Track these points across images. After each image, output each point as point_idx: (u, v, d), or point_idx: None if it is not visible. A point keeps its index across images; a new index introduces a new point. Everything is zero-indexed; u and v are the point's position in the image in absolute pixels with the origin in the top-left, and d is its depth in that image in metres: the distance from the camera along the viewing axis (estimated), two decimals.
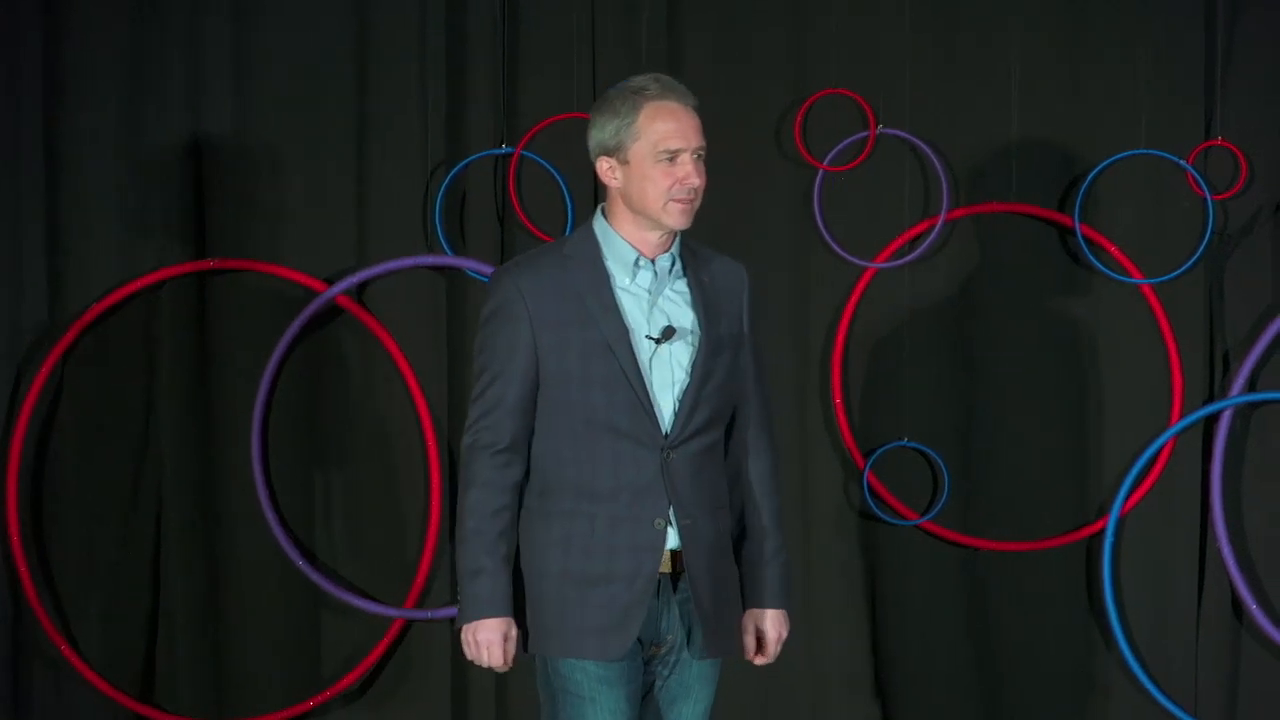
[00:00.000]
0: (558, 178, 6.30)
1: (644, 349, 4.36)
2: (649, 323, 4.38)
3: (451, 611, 6.36)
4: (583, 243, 4.43)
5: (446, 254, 6.36)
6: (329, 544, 6.45)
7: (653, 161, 4.37)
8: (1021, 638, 6.33)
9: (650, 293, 4.40)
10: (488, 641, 4.36)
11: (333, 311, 6.41)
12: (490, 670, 6.25)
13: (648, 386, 4.35)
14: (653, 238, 4.41)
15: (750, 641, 4.54)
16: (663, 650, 4.45)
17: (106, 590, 6.44)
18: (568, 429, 4.36)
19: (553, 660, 4.40)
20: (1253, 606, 6.19)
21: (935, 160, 6.25)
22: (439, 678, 6.40)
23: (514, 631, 4.38)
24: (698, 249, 4.51)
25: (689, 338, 4.39)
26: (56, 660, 6.41)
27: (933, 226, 6.27)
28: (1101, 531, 6.26)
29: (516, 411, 4.37)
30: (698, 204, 4.41)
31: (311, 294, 6.37)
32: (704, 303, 4.42)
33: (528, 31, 6.36)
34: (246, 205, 6.42)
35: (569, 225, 6.29)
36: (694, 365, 4.38)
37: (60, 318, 6.42)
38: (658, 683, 4.48)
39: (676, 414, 4.36)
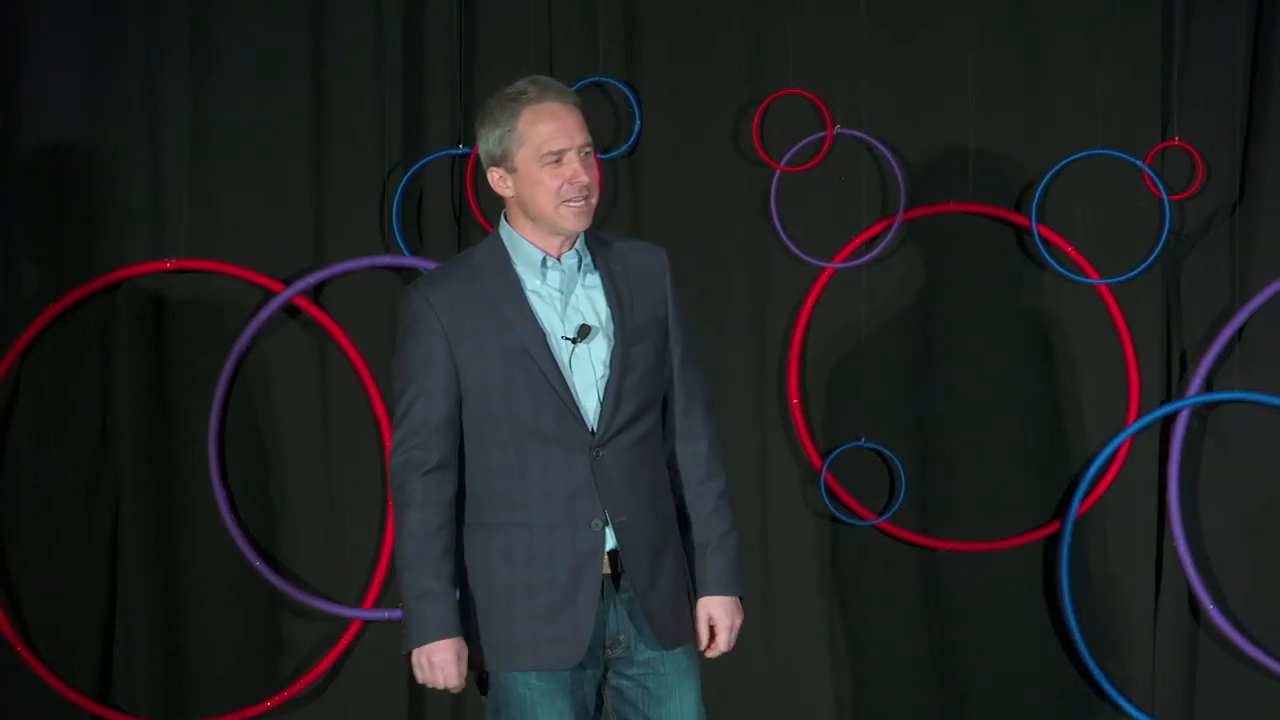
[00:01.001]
0: None
1: (562, 350, 4.35)
2: (564, 323, 4.37)
3: None
4: (491, 251, 4.42)
5: (404, 254, 6.35)
6: (286, 544, 6.44)
7: (539, 165, 4.35)
8: (979, 638, 6.32)
9: (562, 292, 4.39)
10: (443, 663, 4.34)
11: (290, 312, 6.41)
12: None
13: (570, 388, 4.34)
14: (555, 241, 4.40)
15: (704, 631, 4.52)
16: (618, 651, 4.43)
17: (63, 590, 6.42)
18: (495, 440, 4.34)
19: (493, 673, 4.40)
20: (1209, 606, 6.19)
21: (892, 160, 6.25)
22: (397, 678, 6.39)
23: (465, 651, 4.36)
24: (610, 239, 4.49)
25: (606, 331, 4.38)
26: (12, 660, 6.39)
27: (890, 227, 6.27)
28: (1059, 531, 6.26)
29: (444, 429, 4.34)
30: (595, 201, 4.39)
31: (268, 294, 6.36)
32: (617, 294, 4.40)
33: (485, 31, 6.35)
34: (204, 205, 6.41)
35: None
36: (613, 359, 4.36)
37: (17, 317, 6.39)
38: (630, 685, 4.46)
39: (601, 411, 4.35)
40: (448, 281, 4.38)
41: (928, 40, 6.29)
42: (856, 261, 6.29)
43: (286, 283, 6.38)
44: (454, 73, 6.35)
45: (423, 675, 4.37)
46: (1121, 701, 6.24)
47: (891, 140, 6.27)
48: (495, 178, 4.40)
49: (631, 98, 6.29)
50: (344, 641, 6.39)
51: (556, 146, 4.34)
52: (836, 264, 6.29)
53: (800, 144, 6.27)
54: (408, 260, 6.34)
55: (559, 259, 4.39)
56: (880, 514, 6.30)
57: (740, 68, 6.32)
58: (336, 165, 6.40)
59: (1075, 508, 6.23)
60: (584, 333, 4.35)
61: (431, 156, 6.35)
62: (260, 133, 6.40)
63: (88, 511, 6.42)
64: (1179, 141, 6.22)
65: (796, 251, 6.28)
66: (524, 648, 4.36)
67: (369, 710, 6.41)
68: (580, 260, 4.41)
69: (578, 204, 4.35)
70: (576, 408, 4.33)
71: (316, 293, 6.41)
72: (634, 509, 4.37)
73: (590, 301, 4.40)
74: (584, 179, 4.35)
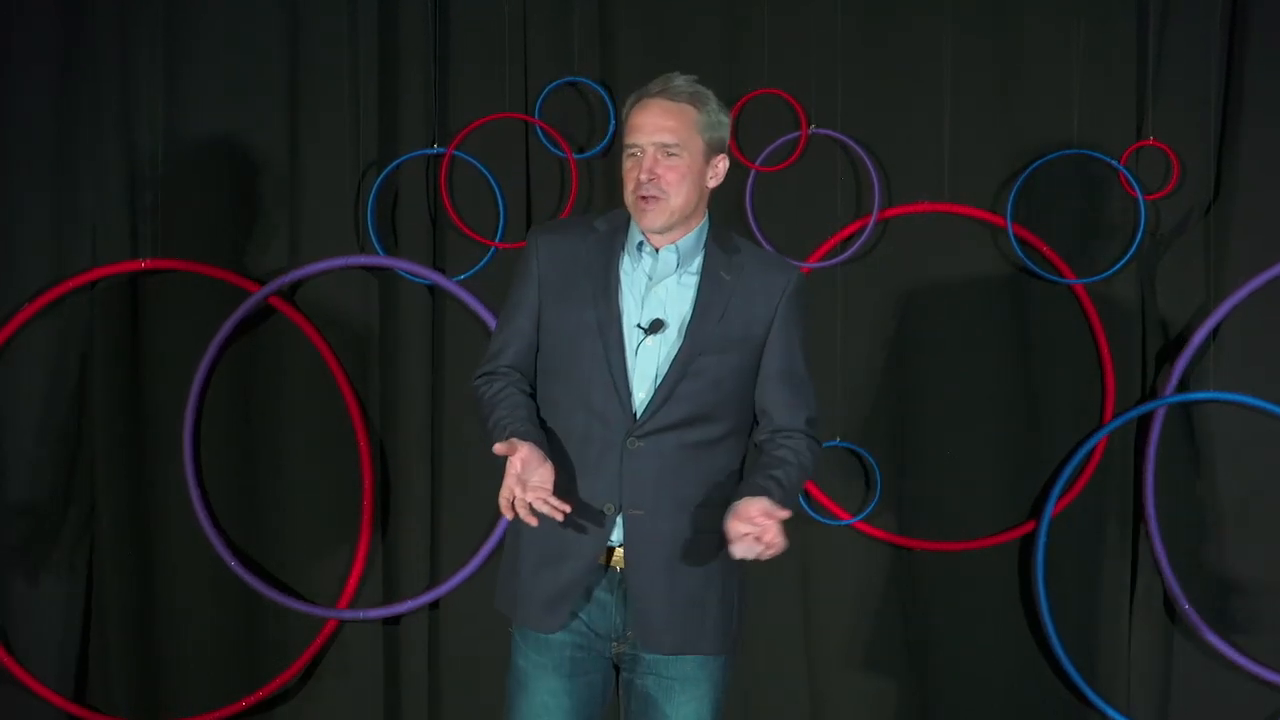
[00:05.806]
0: (489, 178, 6.30)
1: (632, 335, 4.37)
2: (641, 310, 4.38)
3: (383, 612, 6.36)
4: (611, 221, 4.49)
5: (379, 254, 6.35)
6: (262, 544, 6.44)
7: (625, 158, 4.41)
8: (955, 637, 6.33)
9: (650, 278, 4.40)
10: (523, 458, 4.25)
11: (265, 312, 6.40)
12: (424, 669, 6.35)
13: (628, 371, 4.35)
14: (651, 233, 4.42)
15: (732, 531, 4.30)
16: (625, 647, 4.44)
17: (39, 590, 6.43)
18: (550, 397, 4.40)
19: (513, 638, 4.47)
20: (1185, 605, 6.20)
21: (867, 160, 6.25)
22: (372, 678, 6.40)
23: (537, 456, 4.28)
24: (740, 247, 4.49)
25: (680, 331, 4.38)
26: None
27: (865, 226, 6.27)
28: (1035, 531, 6.26)
29: (514, 369, 4.43)
30: (672, 201, 4.39)
31: (244, 294, 6.36)
32: (709, 300, 4.38)
33: (459, 31, 6.35)
34: (179, 205, 6.41)
35: (500, 225, 6.29)
36: (674, 360, 4.36)
37: None
38: (637, 681, 4.46)
39: (649, 404, 4.35)
40: (563, 233, 4.47)
41: (902, 40, 6.28)
42: (831, 261, 6.29)
43: (262, 282, 6.38)
44: (429, 73, 6.34)
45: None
46: (1097, 700, 6.24)
47: (866, 140, 6.27)
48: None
49: (606, 98, 6.29)
50: (319, 641, 6.39)
51: (633, 140, 4.40)
52: (811, 264, 6.29)
53: (775, 144, 6.27)
54: (383, 260, 6.34)
55: (657, 250, 4.41)
56: (856, 514, 6.30)
57: (714, 67, 6.31)
58: (311, 165, 6.39)
59: (1051, 507, 6.23)
60: (655, 327, 4.36)
61: (406, 156, 6.35)
62: (235, 132, 6.40)
63: (63, 511, 6.42)
64: (1154, 141, 6.22)
65: (771, 251, 6.27)
66: (518, 601, 4.43)
67: (344, 710, 6.42)
68: (679, 257, 4.41)
69: (644, 200, 4.37)
70: (626, 392, 4.34)
71: (292, 292, 6.41)
72: (657, 507, 4.34)
73: (676, 298, 4.40)
74: (643, 176, 4.36)
